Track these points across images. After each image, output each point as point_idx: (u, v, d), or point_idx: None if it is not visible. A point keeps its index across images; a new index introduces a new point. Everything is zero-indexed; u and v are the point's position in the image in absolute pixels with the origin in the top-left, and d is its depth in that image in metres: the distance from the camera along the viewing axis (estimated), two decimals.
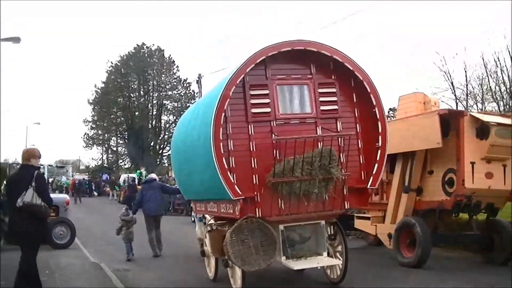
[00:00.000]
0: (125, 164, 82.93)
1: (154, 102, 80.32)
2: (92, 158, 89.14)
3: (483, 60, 29.20)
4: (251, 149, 10.33)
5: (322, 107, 10.88)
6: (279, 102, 10.65)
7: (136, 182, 43.93)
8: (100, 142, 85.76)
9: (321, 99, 10.89)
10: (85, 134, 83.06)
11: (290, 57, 10.74)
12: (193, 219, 17.86)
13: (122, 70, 79.06)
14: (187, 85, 77.43)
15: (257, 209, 10.17)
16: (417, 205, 15.02)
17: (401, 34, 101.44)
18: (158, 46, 79.16)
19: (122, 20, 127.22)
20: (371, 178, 10.81)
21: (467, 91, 29.96)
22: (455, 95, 29.43)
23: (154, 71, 78.81)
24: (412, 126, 14.45)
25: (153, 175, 19.67)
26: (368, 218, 16.70)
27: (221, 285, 11.98)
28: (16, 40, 30.39)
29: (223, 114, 9.98)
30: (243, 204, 9.98)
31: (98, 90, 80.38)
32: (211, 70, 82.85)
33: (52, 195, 18.98)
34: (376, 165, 10.86)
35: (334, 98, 11.01)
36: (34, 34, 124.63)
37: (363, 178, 10.95)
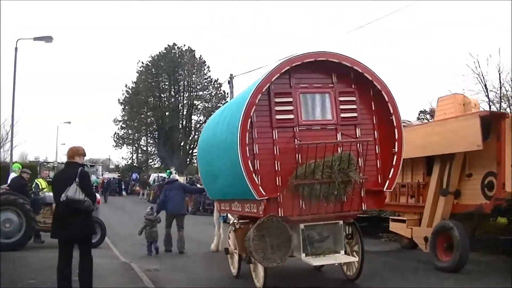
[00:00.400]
0: (155, 164, 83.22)
1: (185, 102, 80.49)
2: (122, 158, 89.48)
3: None
4: (275, 153, 11.01)
5: (342, 114, 11.52)
6: (302, 109, 11.30)
7: (166, 182, 43.87)
8: (130, 141, 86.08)
9: (342, 106, 11.53)
10: (115, 133, 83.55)
11: (313, 67, 11.40)
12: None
13: (153, 70, 79.30)
14: (218, 85, 77.52)
15: (279, 209, 10.81)
16: (455, 208, 14.74)
17: (434, 35, 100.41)
18: (189, 47, 79.38)
19: (153, 20, 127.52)
20: (387, 181, 11.46)
21: (500, 94, 29.47)
22: (488, 97, 28.98)
23: (185, 71, 78.91)
24: (451, 128, 14.12)
25: (176, 176, 20.73)
26: (404, 221, 16.41)
27: (245, 282, 12.24)
28: (48, 39, 30.60)
29: (249, 120, 10.67)
30: (267, 204, 10.65)
31: (129, 90, 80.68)
32: (243, 71, 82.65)
33: None
34: (392, 169, 11.53)
35: (354, 106, 11.65)
36: (67, 34, 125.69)
37: (379, 181, 11.58)
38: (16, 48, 30.06)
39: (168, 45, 79.06)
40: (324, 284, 12.76)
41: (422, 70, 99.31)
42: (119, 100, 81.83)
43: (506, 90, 30.27)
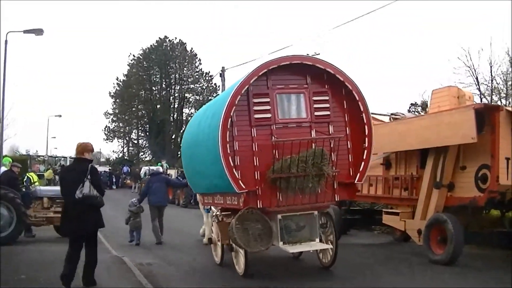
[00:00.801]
0: (146, 157, 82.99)
1: (176, 95, 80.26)
2: (113, 151, 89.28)
3: (509, 55, 28.67)
4: (254, 149, 11.93)
5: (316, 113, 12.43)
6: (278, 108, 12.24)
7: None
8: (121, 135, 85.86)
9: (315, 105, 12.45)
10: (106, 127, 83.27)
11: (289, 69, 12.35)
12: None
13: (144, 63, 78.95)
14: (209, 78, 77.23)
15: (258, 201, 11.80)
16: (448, 201, 14.72)
17: (425, 29, 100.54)
18: (180, 39, 79.03)
19: (144, 13, 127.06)
20: (358, 174, 12.41)
21: (491, 87, 29.49)
22: (479, 90, 28.99)
23: (176, 64, 78.65)
24: (445, 121, 14.08)
25: (160, 169, 21.91)
26: (397, 214, 16.39)
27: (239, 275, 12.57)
28: (39, 32, 30.41)
29: (229, 119, 11.61)
30: (246, 196, 11.65)
31: (120, 83, 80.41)
32: (235, 63, 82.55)
33: None
34: (363, 163, 12.43)
35: (327, 105, 12.55)
36: (57, 27, 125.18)
37: (351, 174, 12.49)
38: (6, 41, 29.77)
39: (159, 38, 78.79)
40: (301, 271, 13.49)
41: (413, 63, 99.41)
42: (110, 93, 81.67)
43: (497, 83, 30.31)
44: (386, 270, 13.51)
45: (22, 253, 15.07)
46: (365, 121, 12.49)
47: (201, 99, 76.62)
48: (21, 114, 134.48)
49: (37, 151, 71.57)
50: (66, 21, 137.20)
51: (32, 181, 21.25)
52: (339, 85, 12.54)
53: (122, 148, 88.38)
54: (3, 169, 20.25)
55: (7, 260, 13.81)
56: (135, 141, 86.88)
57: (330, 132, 12.36)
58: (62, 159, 62.14)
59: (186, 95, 79.67)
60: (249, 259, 12.18)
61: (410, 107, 46.48)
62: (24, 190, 19.72)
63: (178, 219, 24.32)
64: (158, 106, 79.34)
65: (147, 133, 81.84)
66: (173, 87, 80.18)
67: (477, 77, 28.41)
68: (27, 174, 22.82)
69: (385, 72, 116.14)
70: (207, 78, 78.01)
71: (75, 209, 10.30)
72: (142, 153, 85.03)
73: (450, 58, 58.64)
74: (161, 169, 21.81)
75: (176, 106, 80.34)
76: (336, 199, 12.80)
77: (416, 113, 34.91)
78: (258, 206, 11.80)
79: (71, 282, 10.41)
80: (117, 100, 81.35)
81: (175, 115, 79.21)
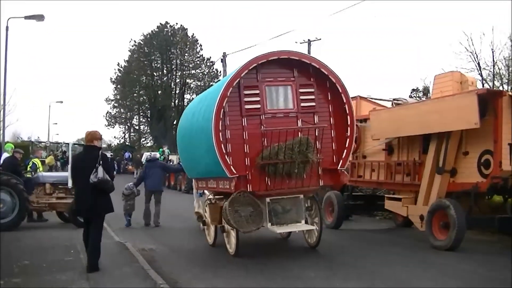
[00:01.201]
0: (147, 143, 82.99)
1: (177, 81, 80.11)
2: (114, 137, 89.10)
3: (511, 41, 28.54)
4: (244, 138, 12.82)
5: (302, 104, 13.29)
6: (267, 99, 13.09)
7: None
8: (123, 120, 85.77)
9: (302, 97, 13.30)
10: (107, 112, 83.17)
11: (277, 63, 13.24)
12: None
13: (145, 49, 78.71)
14: (211, 64, 77.10)
15: (248, 185, 12.66)
16: (451, 186, 14.69)
17: (427, 14, 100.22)
18: (181, 25, 78.77)
19: None
20: (341, 161, 13.27)
21: (493, 72, 29.39)
22: (481, 75, 28.88)
23: (178, 50, 78.37)
24: (448, 106, 14.01)
25: (157, 155, 22.85)
26: (399, 199, 16.36)
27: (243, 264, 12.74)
28: (40, 18, 30.32)
29: (222, 110, 12.45)
30: (237, 181, 12.46)
31: (121, 69, 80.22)
32: (236, 49, 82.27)
33: None
34: (345, 150, 13.33)
35: (312, 97, 13.42)
36: (58, 12, 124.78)
37: (334, 161, 13.36)
38: (7, 27, 29.76)
39: (160, 23, 78.50)
40: (289, 250, 14.48)
41: (413, 47, 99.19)
42: (111, 79, 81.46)
43: (499, 68, 30.19)
44: (389, 256, 13.53)
45: (25, 238, 15.13)
46: (347, 112, 13.40)
47: (202, 84, 76.49)
48: (22, 100, 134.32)
49: (38, 137, 71.33)
50: (67, 7, 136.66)
51: (37, 166, 21.29)
52: (324, 78, 13.41)
53: (123, 134, 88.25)
54: (5, 155, 20.26)
55: (10, 246, 13.87)
56: (137, 127, 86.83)
57: (315, 122, 13.32)
58: (64, 145, 61.88)
59: (187, 80, 79.55)
60: (240, 239, 13.16)
61: (411, 93, 46.38)
62: (31, 175, 19.78)
63: (179, 204, 24.40)
64: (159, 92, 79.19)
65: (149, 119, 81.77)
66: (174, 73, 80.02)
67: (478, 63, 28.32)
68: (32, 160, 22.82)
69: (386, 57, 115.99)
70: (208, 63, 77.90)
71: (87, 193, 10.99)
72: (143, 139, 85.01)
73: (452, 43, 58.48)
74: (157, 155, 22.92)
75: (177, 92, 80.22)
76: (321, 184, 13.50)
77: (418, 99, 34.83)
78: (248, 190, 12.64)
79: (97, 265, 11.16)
80: (118, 86, 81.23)
81: (176, 101, 79.10)
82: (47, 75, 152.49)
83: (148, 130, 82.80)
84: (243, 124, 12.86)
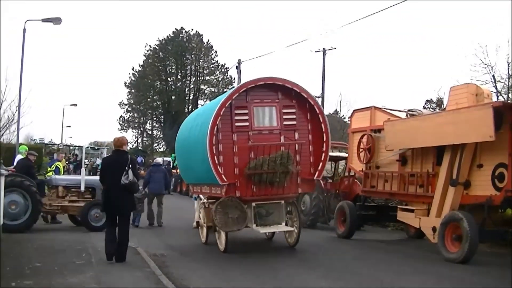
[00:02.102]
0: (160, 148, 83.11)
1: (191, 86, 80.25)
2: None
3: None
4: (234, 151, 14.83)
5: (285, 122, 15.35)
6: (254, 118, 15.14)
7: (171, 166, 43.83)
8: (136, 125, 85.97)
9: (284, 116, 15.36)
10: (120, 117, 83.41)
11: (264, 87, 15.26)
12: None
13: (160, 54, 78.98)
14: (225, 70, 77.29)
15: (237, 191, 14.69)
16: (464, 199, 14.61)
17: (443, 26, 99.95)
18: (196, 31, 79.03)
19: (161, 4, 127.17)
20: (317, 172, 15.41)
21: (508, 84, 29.10)
22: (496, 88, 28.59)
23: (192, 55, 78.57)
24: (463, 118, 13.96)
25: (159, 161, 24.55)
26: (412, 211, 16.28)
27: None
28: (57, 21, 30.38)
29: (215, 127, 14.47)
30: (227, 187, 14.53)
31: (136, 73, 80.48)
32: (251, 56, 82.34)
33: (88, 177, 19.29)
34: (321, 163, 15.41)
35: (294, 116, 15.47)
36: (75, 16, 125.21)
37: (312, 172, 15.40)
38: (24, 29, 29.89)
39: (175, 29, 78.81)
40: (272, 249, 16.18)
41: (429, 59, 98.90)
42: (125, 83, 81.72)
43: None
44: (401, 267, 13.50)
45: (37, 240, 15.16)
46: (323, 130, 15.47)
47: (216, 91, 76.54)
48: (37, 102, 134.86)
49: (51, 139, 71.55)
50: (84, 10, 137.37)
51: (60, 170, 21.40)
52: (304, 101, 15.48)
53: (136, 139, 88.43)
54: (19, 157, 20.36)
55: (22, 247, 13.92)
56: (150, 132, 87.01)
57: (296, 138, 15.30)
58: (77, 148, 62.01)
59: (201, 86, 79.69)
60: (228, 238, 14.93)
61: (425, 104, 46.20)
62: (44, 178, 19.92)
63: (192, 210, 24.35)
64: (173, 97, 79.37)
65: (162, 124, 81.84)
66: (188, 79, 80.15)
67: (493, 75, 27.99)
68: (56, 163, 22.99)
69: (400, 68, 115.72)
70: (222, 70, 78.06)
71: (116, 193, 12.39)
72: (156, 144, 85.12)
73: (467, 55, 58.22)
74: (160, 161, 24.71)
75: (191, 97, 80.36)
76: (299, 192, 15.87)
77: (432, 110, 34.66)
78: (237, 195, 14.66)
79: (113, 257, 12.44)
80: (133, 90, 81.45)
81: (190, 107, 79.00)
82: (62, 78, 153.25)
83: (161, 135, 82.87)
84: (234, 139, 14.89)
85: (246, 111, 15.07)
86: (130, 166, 12.45)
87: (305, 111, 15.55)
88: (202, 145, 14.61)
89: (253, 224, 14.89)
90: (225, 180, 14.41)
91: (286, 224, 15.50)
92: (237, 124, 14.96)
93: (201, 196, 17.94)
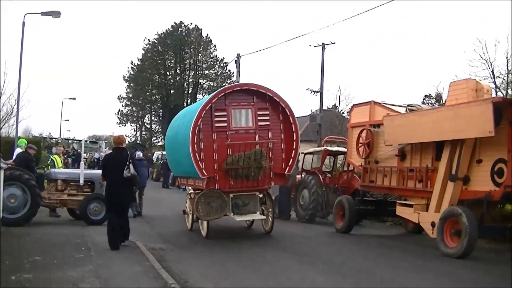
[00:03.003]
0: (158, 142, 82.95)
1: (190, 80, 79.97)
2: (126, 135, 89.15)
3: None
4: (214, 148, 16.45)
5: (259, 123, 16.97)
6: (232, 119, 16.76)
7: None
8: (134, 119, 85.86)
9: (259, 118, 16.97)
10: (119, 111, 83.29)
11: (241, 92, 17.08)
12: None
13: (159, 48, 78.73)
14: (224, 64, 77.09)
15: (216, 184, 16.35)
16: (463, 194, 14.64)
17: (442, 21, 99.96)
18: (195, 25, 78.77)
19: None
20: (288, 167, 17.05)
21: (507, 80, 29.03)
22: (495, 83, 28.55)
23: (191, 49, 78.22)
24: (463, 114, 13.98)
25: (141, 154, 25.39)
26: (411, 206, 16.30)
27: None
28: (56, 14, 30.27)
29: (197, 127, 16.10)
30: (208, 180, 16.18)
31: (134, 67, 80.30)
32: (250, 50, 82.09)
33: (87, 171, 19.26)
34: (291, 159, 17.08)
35: (267, 118, 17.09)
36: (74, 9, 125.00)
37: (283, 167, 17.05)
38: (23, 23, 29.81)
39: (174, 23, 78.50)
40: (270, 243, 16.37)
41: (428, 55, 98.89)
42: (124, 77, 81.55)
43: None
44: (399, 262, 13.53)
45: (36, 234, 15.17)
46: (294, 130, 17.09)
47: (215, 85, 76.32)
48: (35, 96, 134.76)
49: (50, 133, 71.50)
50: (83, 4, 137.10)
51: (56, 164, 21.31)
52: (277, 104, 17.08)
53: (135, 133, 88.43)
54: (18, 150, 20.34)
55: (21, 241, 13.92)
56: (148, 126, 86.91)
57: (269, 137, 16.92)
58: (76, 142, 61.99)
59: (200, 81, 79.45)
60: (210, 225, 16.85)
61: (424, 99, 46.21)
62: (43, 171, 19.90)
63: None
64: (172, 91, 79.15)
65: (160, 118, 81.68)
66: (187, 73, 79.90)
67: (492, 70, 27.95)
68: (52, 156, 22.92)
69: (399, 63, 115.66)
70: (221, 64, 77.84)
71: (118, 186, 13.69)
72: (154, 138, 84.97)
73: (466, 50, 58.14)
74: (142, 155, 25.72)
75: (190, 91, 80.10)
76: (272, 184, 17.67)
77: (431, 105, 34.65)
78: (216, 188, 16.31)
79: (119, 246, 13.53)
80: (131, 84, 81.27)
81: (188, 101, 78.78)
82: (61, 72, 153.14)
83: (160, 129, 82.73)
84: (213, 137, 16.51)
85: (224, 113, 16.73)
86: (130, 161, 13.77)
87: (278, 113, 17.17)
88: (186, 142, 16.21)
89: (231, 213, 16.61)
90: (206, 174, 16.08)
91: (261, 213, 17.28)
92: (216, 124, 16.59)
93: (187, 188, 20.21)
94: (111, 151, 17.44)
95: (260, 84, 17.13)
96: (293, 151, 17.10)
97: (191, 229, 18.32)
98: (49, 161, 22.52)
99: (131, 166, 13.67)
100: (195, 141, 16.07)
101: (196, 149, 16.05)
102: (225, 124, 16.65)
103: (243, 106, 16.99)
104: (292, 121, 17.10)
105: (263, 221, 17.83)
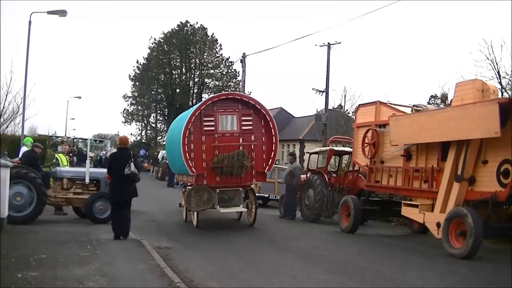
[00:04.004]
0: (163, 141, 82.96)
1: (196, 80, 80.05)
2: (131, 134, 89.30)
3: None
4: (203, 149, 18.48)
5: (243, 127, 18.94)
6: (219, 124, 18.76)
7: None
8: (140, 118, 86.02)
9: (243, 123, 18.94)
10: (124, 109, 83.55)
11: (227, 100, 19.19)
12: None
13: (165, 47, 78.78)
14: (230, 64, 77.11)
15: (204, 180, 18.44)
16: (469, 195, 14.61)
17: (448, 22, 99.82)
18: (201, 24, 78.84)
19: None
20: (268, 166, 19.10)
21: None
22: (501, 84, 28.45)
23: (197, 49, 78.23)
24: (469, 114, 13.96)
25: (141, 152, 25.68)
26: (416, 206, 16.29)
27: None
28: (62, 13, 30.32)
29: (188, 130, 18.24)
30: (197, 177, 18.35)
31: (140, 66, 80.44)
32: (255, 50, 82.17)
33: (93, 170, 19.31)
34: (271, 159, 19.12)
35: (250, 123, 19.04)
36: (80, 8, 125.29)
37: (264, 166, 19.06)
38: (30, 22, 29.87)
39: (180, 22, 78.57)
40: (275, 243, 16.49)
41: (434, 55, 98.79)
42: (129, 76, 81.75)
43: None
44: (404, 262, 13.52)
45: (42, 232, 15.18)
46: (273, 134, 19.07)
47: (220, 84, 76.53)
48: (41, 94, 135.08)
49: (55, 131, 71.66)
50: (89, 3, 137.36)
51: (61, 163, 21.36)
52: (259, 111, 19.10)
53: (140, 131, 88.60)
54: (24, 149, 20.38)
55: (27, 239, 13.94)
56: (153, 125, 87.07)
57: (252, 140, 18.87)
58: (81, 140, 62.13)
59: (205, 80, 79.49)
60: (199, 216, 18.95)
61: (430, 99, 46.13)
62: (49, 170, 19.96)
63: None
64: (177, 90, 79.18)
65: (166, 117, 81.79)
66: (193, 72, 79.95)
67: (498, 71, 27.84)
68: (56, 155, 22.99)
69: (405, 63, 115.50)
70: (227, 63, 77.84)
71: (120, 183, 14.87)
72: (160, 137, 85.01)
73: (472, 51, 58.04)
74: (142, 152, 26.54)
75: (195, 91, 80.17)
76: (254, 181, 19.75)
77: (436, 105, 34.59)
78: (204, 183, 18.35)
79: (119, 236, 14.87)
80: (137, 83, 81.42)
81: (194, 100, 78.78)
82: (66, 71, 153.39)
83: (165, 128, 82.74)
84: (202, 140, 18.50)
85: (212, 118, 18.68)
86: (132, 160, 14.91)
87: (260, 118, 19.15)
88: (179, 143, 18.34)
89: (218, 205, 18.54)
90: (195, 171, 18.22)
91: (244, 206, 19.20)
92: (205, 128, 18.59)
93: (183, 182, 22.23)
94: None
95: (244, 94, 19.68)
96: (273, 152, 19.12)
97: (186, 221, 20.50)
98: (53, 160, 22.59)
99: (132, 164, 14.78)
100: (186, 143, 18.19)
101: (186, 150, 18.19)
102: (213, 128, 18.64)
103: (229, 112, 18.96)
104: (272, 126, 19.14)
105: (247, 213, 19.74)
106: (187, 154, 18.18)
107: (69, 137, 66.66)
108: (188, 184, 19.81)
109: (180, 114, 23.57)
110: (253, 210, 19.62)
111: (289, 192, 23.26)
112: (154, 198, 19.51)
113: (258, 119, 19.11)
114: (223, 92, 21.80)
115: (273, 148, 19.09)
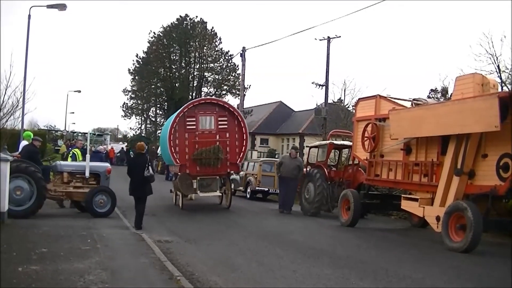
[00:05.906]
0: None
1: (195, 74, 79.70)
2: (130, 128, 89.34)
3: None
4: (186, 144, 22.38)
5: (219, 126, 22.85)
6: (199, 123, 22.65)
7: None
8: (139, 112, 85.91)
9: (219, 123, 22.84)
10: (124, 103, 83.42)
11: (206, 103, 23.39)
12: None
13: (164, 41, 78.47)
14: (229, 57, 76.87)
15: (187, 170, 22.20)
16: (468, 188, 14.65)
17: (448, 16, 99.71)
18: (201, 18, 78.45)
19: None
20: (239, 158, 22.97)
21: None
22: (500, 78, 28.43)
23: (196, 43, 77.88)
24: (468, 108, 13.97)
25: (99, 148, 29.10)
26: (416, 200, 16.33)
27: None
28: (62, 7, 30.29)
29: (173, 129, 22.22)
30: (180, 167, 22.24)
31: (139, 60, 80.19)
32: (255, 43, 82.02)
33: (93, 164, 19.30)
34: (242, 152, 22.98)
35: (226, 123, 22.94)
36: (80, 2, 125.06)
37: (237, 158, 22.90)
38: (29, 15, 29.87)
39: (180, 16, 78.20)
40: (276, 237, 16.47)
41: (434, 49, 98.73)
42: (129, 70, 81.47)
43: None
44: (404, 256, 13.57)
45: (42, 226, 15.19)
46: (244, 132, 23.03)
47: (220, 78, 76.37)
48: (41, 88, 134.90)
49: (55, 125, 71.70)
50: None
51: (78, 157, 21.46)
52: (232, 113, 23.14)
53: (139, 125, 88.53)
54: (24, 143, 20.38)
55: (28, 233, 13.97)
56: (153, 119, 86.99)
57: (226, 137, 22.76)
58: (80, 134, 62.09)
59: (205, 74, 79.15)
60: (183, 199, 23.27)
61: (430, 93, 46.07)
62: (48, 164, 20.06)
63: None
64: (177, 84, 78.89)
65: (165, 111, 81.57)
66: (192, 66, 79.62)
67: (498, 65, 27.81)
68: (73, 150, 23.11)
69: (405, 57, 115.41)
70: (227, 57, 77.62)
71: (138, 182, 16.87)
72: (159, 131, 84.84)
73: (472, 44, 58.03)
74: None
75: (195, 84, 79.88)
76: (228, 171, 23.36)
77: (436, 99, 34.58)
78: (187, 172, 22.08)
79: (141, 226, 16.58)
80: (136, 77, 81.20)
81: (194, 94, 78.64)
82: (66, 64, 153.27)
83: (165, 122, 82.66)
84: (185, 136, 22.42)
85: (194, 119, 22.54)
86: (150, 164, 17.29)
87: (234, 119, 23.08)
88: (166, 139, 22.46)
89: (198, 190, 22.39)
90: (179, 162, 22.19)
91: (224, 192, 23.86)
92: (188, 127, 22.48)
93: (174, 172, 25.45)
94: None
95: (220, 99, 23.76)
96: (244, 147, 23.04)
97: (175, 204, 24.59)
98: (70, 154, 22.72)
99: (150, 168, 17.02)
100: (171, 138, 22.21)
101: (172, 144, 22.19)
102: (194, 127, 22.52)
103: (207, 114, 22.82)
104: (243, 125, 23.10)
105: (225, 198, 24.10)
106: (172, 148, 22.15)
107: (72, 131, 66.65)
108: (178, 173, 23.10)
109: (171, 116, 26.52)
110: (229, 195, 23.69)
111: (291, 187, 23.41)
112: (154, 192, 19.32)
113: (232, 119, 23.04)
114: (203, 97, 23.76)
115: (244, 144, 23.07)
